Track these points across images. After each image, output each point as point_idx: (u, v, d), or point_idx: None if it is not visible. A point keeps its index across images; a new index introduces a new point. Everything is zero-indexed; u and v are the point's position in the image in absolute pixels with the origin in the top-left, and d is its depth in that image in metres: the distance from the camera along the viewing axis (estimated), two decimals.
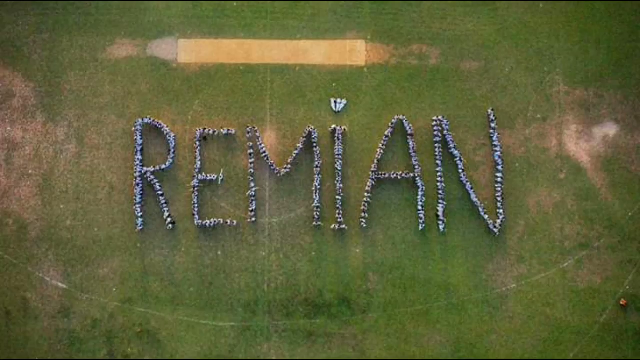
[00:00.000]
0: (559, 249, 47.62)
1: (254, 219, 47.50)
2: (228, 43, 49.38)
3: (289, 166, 47.55)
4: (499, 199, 47.63)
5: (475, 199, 47.56)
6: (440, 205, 47.56)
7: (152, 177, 47.40)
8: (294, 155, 47.55)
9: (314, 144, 47.71)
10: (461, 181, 47.88)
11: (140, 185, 47.54)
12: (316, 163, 47.61)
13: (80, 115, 48.57)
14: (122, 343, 46.75)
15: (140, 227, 47.36)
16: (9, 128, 48.45)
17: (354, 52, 49.35)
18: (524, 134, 48.63)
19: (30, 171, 48.11)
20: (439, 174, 47.81)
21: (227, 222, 47.22)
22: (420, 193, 47.42)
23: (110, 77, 48.95)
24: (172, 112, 48.63)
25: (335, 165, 47.70)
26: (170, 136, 47.88)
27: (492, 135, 48.31)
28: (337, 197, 47.33)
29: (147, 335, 46.81)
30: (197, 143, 47.88)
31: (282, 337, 46.89)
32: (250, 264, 47.44)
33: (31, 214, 47.69)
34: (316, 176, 47.50)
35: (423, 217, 47.45)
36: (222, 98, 48.87)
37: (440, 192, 47.66)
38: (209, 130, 48.04)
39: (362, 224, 47.32)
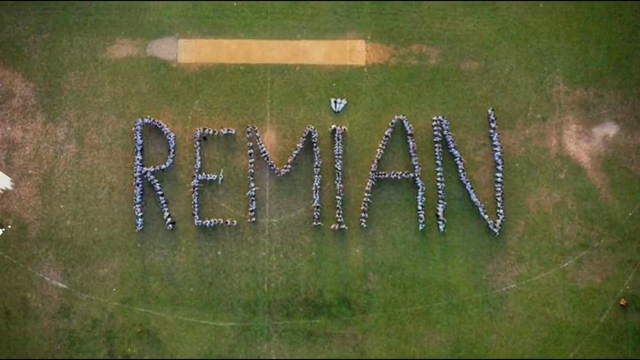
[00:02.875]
0: (559, 249, 47.61)
1: (254, 219, 47.49)
2: (228, 43, 49.37)
3: (289, 166, 47.54)
4: (499, 199, 47.62)
5: (475, 199, 47.55)
6: (440, 205, 47.56)
7: (152, 177, 47.39)
8: (294, 155, 47.54)
9: (314, 144, 47.70)
10: (461, 181, 47.87)
11: (140, 185, 47.53)
12: (316, 163, 47.59)
13: (80, 115, 48.57)
14: (122, 343, 46.74)
15: (140, 227, 47.36)
16: (9, 128, 48.45)
17: (354, 52, 49.34)
18: (524, 134, 48.63)
19: (30, 171, 48.10)
20: (439, 174, 47.79)
21: (227, 222, 47.22)
22: (420, 193, 47.41)
23: (110, 77, 48.94)
24: (172, 112, 48.63)
25: (335, 165, 47.69)
26: (170, 136, 47.88)
27: (492, 135, 48.30)
28: (337, 197, 47.32)
29: (147, 335, 46.81)
30: (197, 143, 47.87)
31: (282, 337, 46.88)
32: (250, 264, 47.44)
33: (31, 214, 47.69)
34: (316, 176, 47.49)
35: (423, 217, 47.44)
36: (222, 98, 48.86)
37: (440, 192, 47.64)
38: (209, 130, 48.03)
39: (362, 224, 47.31)
